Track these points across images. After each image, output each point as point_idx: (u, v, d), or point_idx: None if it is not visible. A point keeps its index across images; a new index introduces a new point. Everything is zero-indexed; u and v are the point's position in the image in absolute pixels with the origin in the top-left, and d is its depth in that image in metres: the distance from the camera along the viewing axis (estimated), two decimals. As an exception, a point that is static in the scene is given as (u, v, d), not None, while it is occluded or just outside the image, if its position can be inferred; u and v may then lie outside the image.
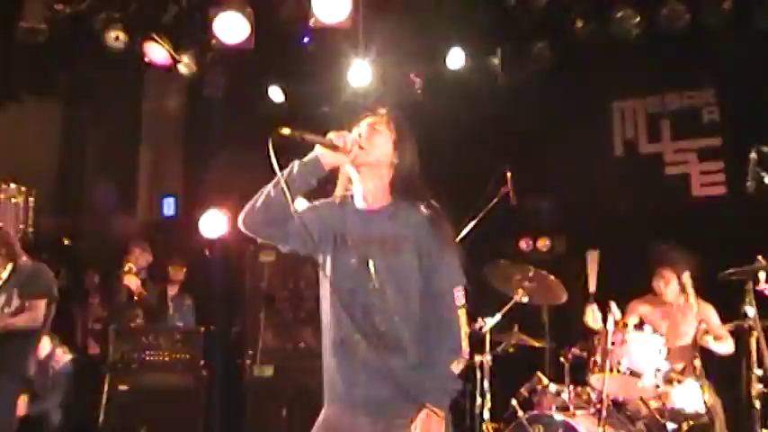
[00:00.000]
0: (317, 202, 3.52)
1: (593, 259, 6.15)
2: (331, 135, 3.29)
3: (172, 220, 9.58)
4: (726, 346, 6.48)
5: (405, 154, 3.44)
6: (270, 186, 3.31)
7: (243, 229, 3.38)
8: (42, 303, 6.13)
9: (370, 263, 3.30)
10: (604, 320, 6.00)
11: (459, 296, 3.33)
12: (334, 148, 3.28)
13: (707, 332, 6.37)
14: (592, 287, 6.15)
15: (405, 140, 3.47)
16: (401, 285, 3.30)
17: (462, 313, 3.31)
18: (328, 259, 3.40)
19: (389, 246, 3.32)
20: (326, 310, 3.39)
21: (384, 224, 3.37)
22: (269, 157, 3.15)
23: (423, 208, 3.38)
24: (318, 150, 3.31)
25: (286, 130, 3.18)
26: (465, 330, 3.31)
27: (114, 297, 7.73)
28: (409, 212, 3.38)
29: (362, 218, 3.42)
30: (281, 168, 3.23)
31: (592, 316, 6.19)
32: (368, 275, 3.29)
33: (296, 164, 3.31)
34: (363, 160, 3.36)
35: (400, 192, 3.43)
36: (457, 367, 3.26)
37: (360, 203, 3.46)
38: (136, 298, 7.59)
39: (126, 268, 7.60)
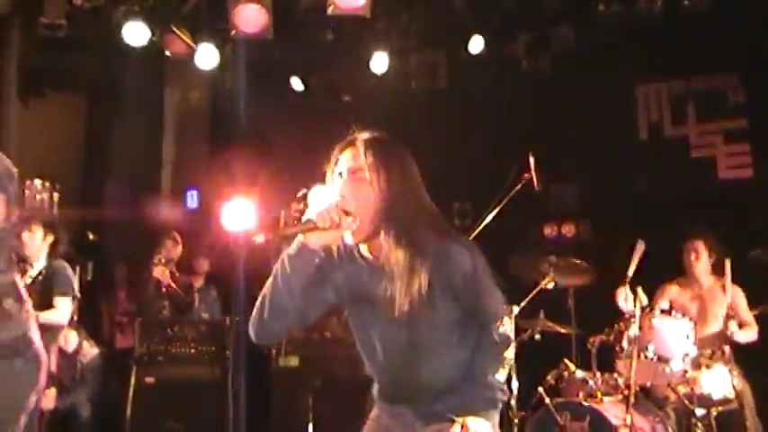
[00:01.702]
0: (325, 253, 3.01)
1: (639, 250, 6.07)
2: (311, 215, 2.86)
3: (195, 212, 9.60)
4: (749, 334, 6.43)
5: (393, 186, 2.96)
6: (267, 291, 2.97)
7: (262, 343, 3.13)
8: (68, 301, 6.21)
9: (401, 322, 2.97)
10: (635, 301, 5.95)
11: (505, 328, 3.12)
12: (321, 230, 2.86)
13: (731, 317, 6.31)
14: (630, 272, 6.07)
15: (385, 170, 2.97)
16: (434, 338, 3.04)
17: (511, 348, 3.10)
18: (352, 319, 3.16)
19: (414, 303, 2.93)
20: (366, 354, 3.17)
21: (401, 278, 2.94)
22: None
23: (432, 245, 2.95)
24: (303, 238, 2.89)
25: (260, 237, 2.89)
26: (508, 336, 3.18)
27: (143, 289, 7.77)
28: (427, 251, 2.94)
29: (373, 274, 3.02)
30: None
31: (624, 296, 6.10)
32: (400, 337, 3.03)
33: (286, 258, 2.92)
34: (360, 232, 2.94)
35: (400, 234, 2.95)
36: (501, 375, 3.14)
37: (365, 256, 3.07)
38: (164, 290, 7.63)
39: (156, 260, 7.65)
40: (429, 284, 2.92)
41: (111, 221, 9.53)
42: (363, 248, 3.05)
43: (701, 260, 6.66)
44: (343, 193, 2.93)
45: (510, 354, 3.15)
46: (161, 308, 7.68)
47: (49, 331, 6.03)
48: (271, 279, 2.95)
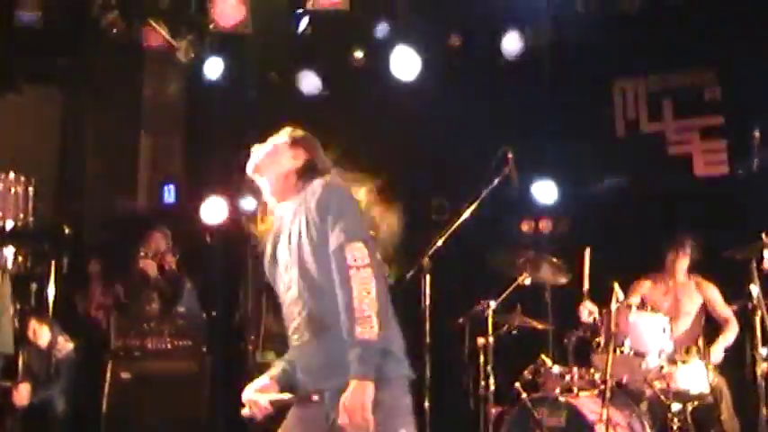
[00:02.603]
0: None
1: (586, 259, 6.12)
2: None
3: (172, 206, 9.55)
4: (729, 335, 6.48)
5: (300, 154, 3.44)
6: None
7: None
8: None
9: (280, 262, 3.31)
10: (601, 310, 6.00)
11: (358, 255, 3.01)
12: None
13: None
14: (585, 285, 6.13)
15: (300, 143, 3.47)
16: (305, 269, 3.17)
17: (367, 274, 3.00)
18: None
19: (291, 237, 3.24)
20: None
21: (288, 218, 3.32)
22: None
23: (316, 183, 3.28)
24: None
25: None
26: (369, 292, 2.97)
27: (128, 282, 7.74)
28: (306, 195, 3.27)
29: (279, 233, 3.36)
30: None
31: (586, 312, 6.16)
32: (281, 275, 3.31)
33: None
34: (273, 195, 3.44)
35: (301, 184, 3.37)
36: (370, 333, 2.93)
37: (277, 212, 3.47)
38: (152, 282, 7.61)
39: (142, 253, 7.62)
40: (299, 220, 3.23)
41: (88, 215, 9.47)
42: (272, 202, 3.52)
43: (684, 259, 6.71)
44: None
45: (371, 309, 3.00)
46: (149, 301, 7.64)
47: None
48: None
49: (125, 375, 7.09)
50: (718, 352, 6.41)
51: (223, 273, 8.62)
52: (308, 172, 3.39)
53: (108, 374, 7.06)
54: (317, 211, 3.15)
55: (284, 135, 3.50)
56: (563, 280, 6.42)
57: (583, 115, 8.10)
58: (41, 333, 7.23)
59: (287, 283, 3.26)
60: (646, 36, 7.73)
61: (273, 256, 3.35)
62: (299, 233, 3.19)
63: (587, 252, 6.12)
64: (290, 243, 3.23)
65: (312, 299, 3.15)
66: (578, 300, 6.27)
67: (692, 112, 8.11)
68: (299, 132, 3.53)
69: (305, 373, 3.21)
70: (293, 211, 3.29)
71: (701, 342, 6.23)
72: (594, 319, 6.03)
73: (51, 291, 7.60)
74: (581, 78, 8.07)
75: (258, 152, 3.47)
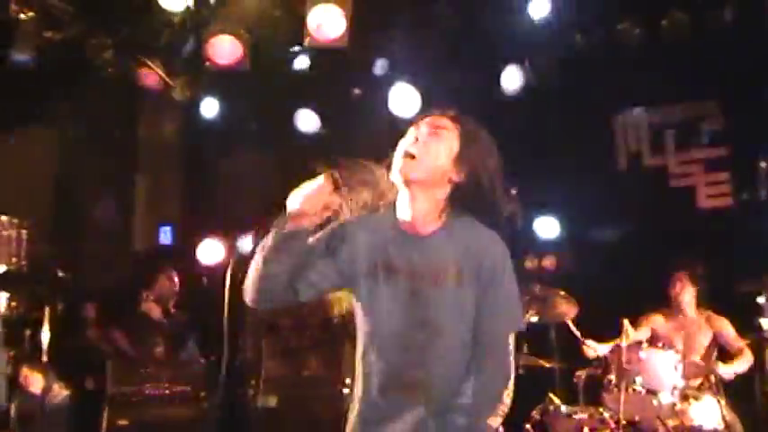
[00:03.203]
0: (347, 220, 2.90)
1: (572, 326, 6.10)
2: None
3: (169, 248, 9.46)
4: (741, 365, 6.37)
5: (470, 167, 2.84)
6: (259, 256, 2.81)
7: (260, 308, 3.00)
8: None
9: (420, 299, 2.81)
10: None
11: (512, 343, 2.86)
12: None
13: (713, 349, 6.30)
14: (577, 334, 6.07)
15: (472, 150, 2.87)
16: (459, 323, 2.83)
17: (510, 363, 2.87)
18: (365, 291, 2.90)
19: (444, 278, 2.80)
20: (369, 339, 2.92)
21: (436, 252, 2.83)
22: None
23: (486, 229, 2.86)
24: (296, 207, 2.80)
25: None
26: (511, 381, 2.86)
27: (132, 325, 7.65)
28: (469, 234, 2.85)
29: (409, 244, 2.86)
30: None
31: (591, 351, 6.07)
32: (419, 314, 2.82)
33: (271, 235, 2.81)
34: (414, 174, 2.80)
35: (458, 210, 2.87)
36: (495, 421, 2.82)
37: (406, 224, 2.89)
38: (157, 327, 7.53)
39: (144, 296, 7.54)
40: (460, 267, 2.81)
41: (83, 258, 9.36)
42: (403, 211, 2.89)
43: (685, 291, 6.62)
44: (419, 137, 2.86)
45: (508, 399, 2.89)
46: (154, 345, 7.54)
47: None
48: (260, 250, 2.80)
49: (122, 422, 6.94)
50: (729, 372, 6.27)
51: (222, 315, 8.48)
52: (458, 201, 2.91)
53: (104, 421, 6.90)
54: (496, 269, 2.83)
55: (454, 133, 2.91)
56: (572, 314, 6.28)
57: (585, 149, 8.01)
58: (35, 380, 7.08)
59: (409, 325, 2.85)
60: (646, 68, 7.67)
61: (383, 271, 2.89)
62: (460, 280, 2.81)
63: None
64: (436, 285, 2.82)
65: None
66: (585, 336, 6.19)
67: (694, 144, 8.04)
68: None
69: None
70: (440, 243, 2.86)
71: (713, 378, 6.12)
72: (598, 356, 5.94)
73: (46, 336, 7.47)
74: (582, 112, 8.01)
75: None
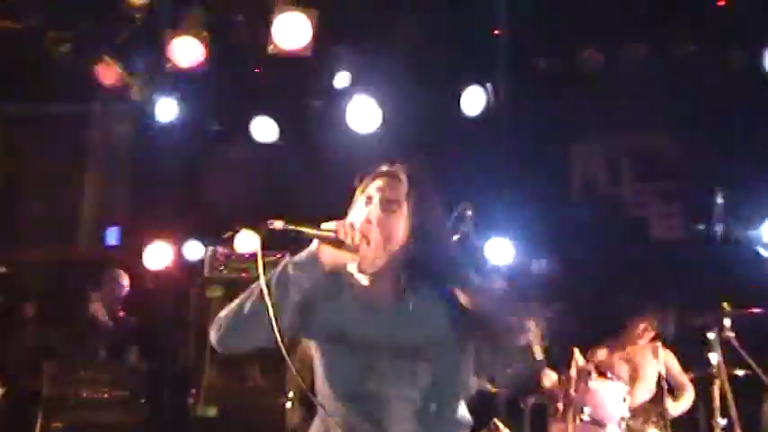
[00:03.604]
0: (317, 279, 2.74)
1: (533, 330, 6.00)
2: (332, 225, 2.65)
3: (115, 250, 9.30)
4: (683, 403, 6.39)
5: (423, 224, 2.75)
6: (253, 296, 2.65)
7: (221, 350, 2.80)
8: None
9: (376, 370, 2.72)
10: (560, 377, 5.87)
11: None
12: (338, 243, 2.62)
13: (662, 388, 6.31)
14: (539, 356, 6.01)
15: (425, 208, 2.78)
16: (415, 395, 2.72)
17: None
18: (318, 352, 2.83)
19: (404, 351, 2.72)
20: (324, 399, 2.80)
21: (397, 323, 2.74)
22: (255, 258, 2.58)
23: (449, 298, 2.75)
24: (317, 246, 2.65)
25: (278, 223, 2.58)
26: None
27: (72, 326, 7.50)
28: (433, 304, 2.76)
29: (368, 313, 2.77)
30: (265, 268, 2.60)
31: (548, 379, 6.03)
32: (373, 385, 2.72)
33: (289, 264, 2.65)
34: (370, 255, 2.68)
35: (417, 276, 2.75)
36: None
37: (365, 291, 2.79)
38: (100, 329, 7.39)
39: (93, 297, 7.42)
40: (417, 340, 2.73)
41: (25, 256, 9.17)
42: (363, 282, 2.79)
43: (646, 336, 6.61)
44: (372, 219, 2.71)
45: None
46: (96, 347, 7.39)
47: None
48: (261, 281, 2.59)
49: (56, 425, 6.79)
50: (674, 409, 6.28)
51: (165, 321, 8.37)
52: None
53: (38, 423, 6.76)
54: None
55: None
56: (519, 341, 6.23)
57: (541, 175, 8.02)
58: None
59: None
60: (605, 97, 7.71)
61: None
62: (416, 352, 2.75)
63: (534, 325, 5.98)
64: (391, 358, 2.73)
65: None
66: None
67: (650, 175, 8.09)
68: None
69: None
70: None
71: (663, 410, 6.13)
72: (555, 385, 5.90)
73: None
74: (540, 137, 8.01)
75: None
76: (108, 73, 7.63)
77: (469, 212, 6.05)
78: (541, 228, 7.91)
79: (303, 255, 2.67)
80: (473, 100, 7.82)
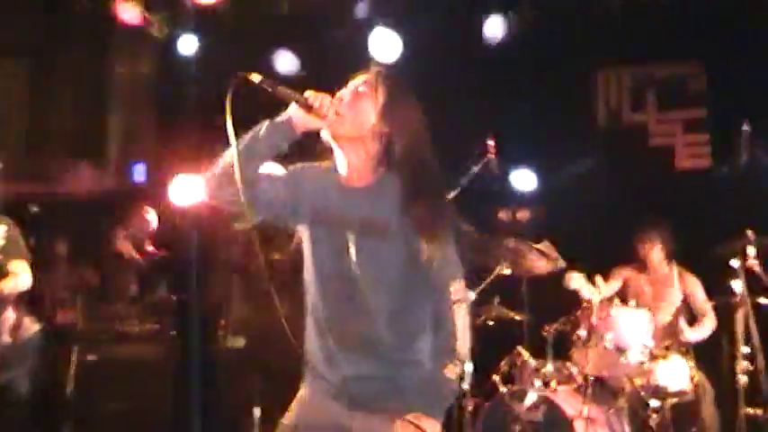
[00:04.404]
0: (295, 167, 3.11)
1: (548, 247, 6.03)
2: (308, 93, 2.89)
3: (142, 186, 9.37)
4: (703, 329, 6.40)
5: (396, 121, 2.95)
6: (231, 149, 2.87)
7: (206, 199, 3.04)
8: (27, 265, 5.97)
9: (350, 249, 2.92)
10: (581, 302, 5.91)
11: (458, 290, 2.91)
12: (308, 108, 2.86)
13: (681, 312, 6.33)
14: (561, 263, 6.00)
15: (397, 105, 2.97)
16: (384, 277, 2.91)
17: (461, 309, 2.91)
18: (306, 236, 3.06)
19: (372, 230, 2.92)
20: (309, 284, 3.06)
21: (368, 204, 2.94)
22: (224, 109, 2.83)
23: (415, 189, 2.92)
24: (292, 110, 2.91)
25: (256, 77, 2.85)
26: (464, 328, 2.89)
27: (103, 262, 7.61)
28: (399, 189, 2.93)
29: (344, 195, 3.00)
30: (241, 126, 2.87)
31: (575, 280, 6.02)
32: (347, 264, 2.93)
33: (265, 124, 2.93)
34: (341, 130, 2.94)
35: (388, 165, 2.97)
36: (452, 371, 2.85)
37: (342, 177, 3.03)
38: (130, 264, 7.49)
39: (118, 234, 7.50)
40: (391, 221, 2.90)
41: (55, 195, 9.26)
42: (341, 167, 3.03)
43: (655, 250, 6.62)
44: (343, 96, 2.97)
45: (463, 349, 2.90)
46: (127, 282, 7.50)
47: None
48: (240, 140, 2.89)
49: (91, 358, 6.93)
50: (693, 336, 6.31)
51: (193, 255, 8.46)
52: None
53: (74, 357, 6.90)
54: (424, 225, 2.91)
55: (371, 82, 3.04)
56: (544, 269, 6.23)
57: (564, 104, 7.95)
58: (6, 314, 7.03)
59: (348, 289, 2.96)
60: (630, 25, 7.59)
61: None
62: (390, 234, 2.92)
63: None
64: (367, 237, 2.94)
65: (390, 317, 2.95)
66: (556, 290, 6.18)
67: (675, 104, 8.01)
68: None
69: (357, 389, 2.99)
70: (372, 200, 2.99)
71: (682, 338, 6.16)
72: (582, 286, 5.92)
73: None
74: (563, 66, 7.93)
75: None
76: (128, 10, 7.63)
77: (491, 142, 6.09)
78: (565, 156, 7.90)
79: (280, 117, 2.94)
80: (495, 29, 7.74)
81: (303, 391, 3.13)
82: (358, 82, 3.01)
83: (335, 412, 2.99)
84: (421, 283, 2.92)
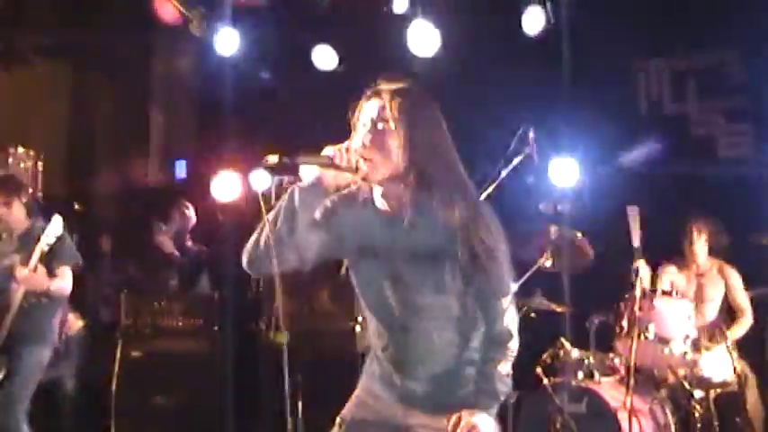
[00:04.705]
0: (329, 202, 3.02)
1: (633, 214, 5.94)
2: (329, 150, 2.87)
3: (184, 183, 9.45)
4: (741, 327, 6.36)
5: (422, 143, 2.90)
6: (268, 221, 2.89)
7: (252, 273, 3.06)
8: (69, 270, 6.13)
9: (402, 278, 2.95)
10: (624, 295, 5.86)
11: (508, 286, 2.98)
12: (336, 167, 2.86)
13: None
14: (636, 242, 5.93)
15: (418, 128, 2.91)
16: (438, 302, 2.94)
17: (511, 305, 2.98)
18: (354, 271, 3.10)
19: (422, 257, 2.92)
20: (364, 309, 3.14)
21: (413, 232, 2.91)
22: (259, 195, 2.94)
23: (457, 208, 2.88)
24: (318, 172, 2.90)
25: (273, 158, 2.83)
26: (513, 323, 2.97)
27: (145, 258, 7.68)
28: (442, 213, 2.89)
29: (387, 226, 2.97)
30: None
31: (642, 268, 5.97)
32: (400, 293, 2.96)
33: (296, 191, 2.90)
34: (375, 175, 2.90)
35: (424, 186, 2.90)
36: (504, 367, 2.93)
37: (382, 210, 3.01)
38: (171, 261, 7.56)
39: (163, 229, 7.58)
40: (438, 246, 2.90)
41: (97, 192, 9.37)
42: (378, 198, 3.01)
43: (699, 241, 6.56)
44: (366, 142, 2.90)
45: (514, 345, 2.94)
46: (168, 278, 7.58)
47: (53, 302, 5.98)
48: (275, 211, 2.91)
49: (135, 354, 7.02)
50: (732, 337, 6.27)
51: (235, 250, 8.50)
52: None
53: (118, 353, 6.99)
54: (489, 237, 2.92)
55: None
56: (587, 258, 6.21)
57: (605, 94, 7.90)
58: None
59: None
60: (670, 14, 7.53)
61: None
62: (439, 258, 2.93)
63: (634, 209, 5.95)
64: (416, 266, 2.96)
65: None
66: (598, 282, 6.15)
67: (716, 94, 7.93)
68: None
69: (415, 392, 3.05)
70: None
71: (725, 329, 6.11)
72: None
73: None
74: (603, 56, 7.88)
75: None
76: (167, 8, 7.68)
77: (531, 134, 6.07)
78: (606, 145, 7.85)
79: (307, 181, 2.91)
80: (534, 20, 7.70)
81: (362, 387, 3.19)
82: (370, 115, 2.93)
83: (392, 409, 3.05)
84: (474, 291, 2.95)
